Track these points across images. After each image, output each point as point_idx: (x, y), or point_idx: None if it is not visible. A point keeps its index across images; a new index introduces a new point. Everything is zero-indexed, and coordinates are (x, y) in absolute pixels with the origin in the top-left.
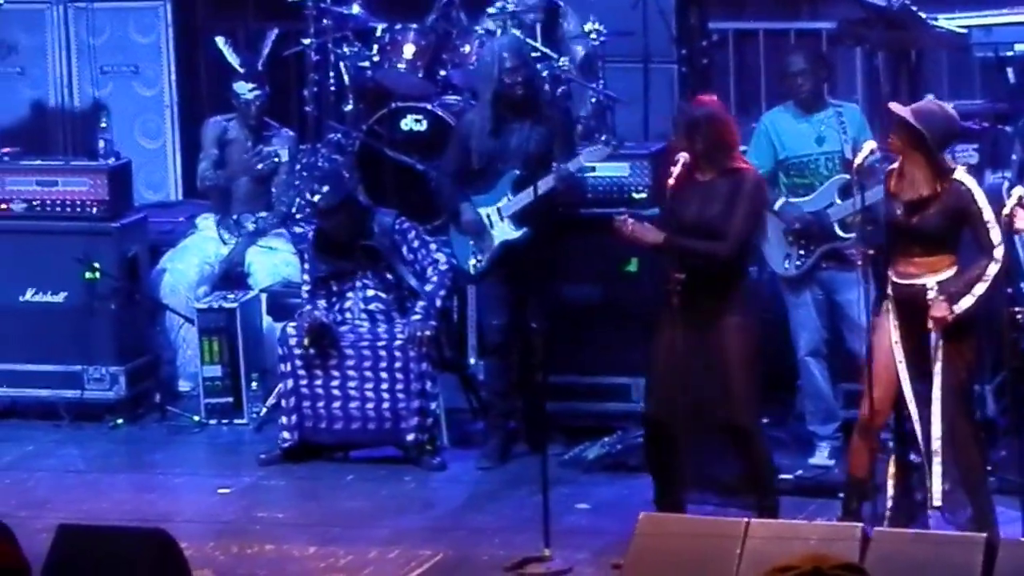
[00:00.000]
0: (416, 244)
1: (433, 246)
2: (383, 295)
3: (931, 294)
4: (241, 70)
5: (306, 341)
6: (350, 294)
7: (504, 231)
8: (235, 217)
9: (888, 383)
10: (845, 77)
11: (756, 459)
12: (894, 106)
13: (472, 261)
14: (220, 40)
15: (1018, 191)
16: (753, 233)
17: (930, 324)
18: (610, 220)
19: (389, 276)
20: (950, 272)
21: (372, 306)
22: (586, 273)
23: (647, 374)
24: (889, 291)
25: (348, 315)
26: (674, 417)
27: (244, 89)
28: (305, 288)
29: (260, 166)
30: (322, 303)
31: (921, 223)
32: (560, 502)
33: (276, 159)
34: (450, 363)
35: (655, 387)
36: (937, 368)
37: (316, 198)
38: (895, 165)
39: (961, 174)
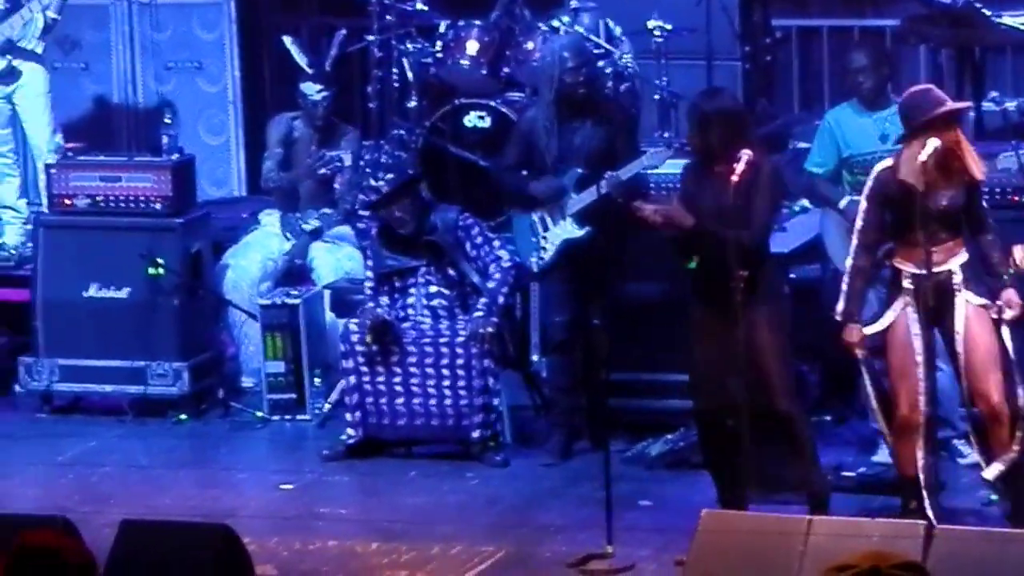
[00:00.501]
0: (479, 240)
1: (496, 243)
2: (446, 291)
3: (957, 278)
4: (309, 70)
5: (368, 338)
6: (413, 290)
7: (567, 229)
8: (298, 215)
9: (916, 377)
10: (909, 75)
11: (800, 443)
12: (951, 104)
13: (534, 258)
14: (287, 39)
15: None
16: (776, 221)
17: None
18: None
19: (452, 272)
20: (965, 254)
21: (435, 302)
22: (648, 270)
23: (691, 372)
24: (908, 285)
25: (411, 311)
26: (726, 412)
27: (312, 90)
28: (368, 284)
29: (323, 171)
30: (385, 300)
31: (950, 205)
32: (623, 499)
33: (340, 163)
34: (513, 360)
35: (703, 384)
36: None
37: (380, 184)
38: (888, 162)
39: None
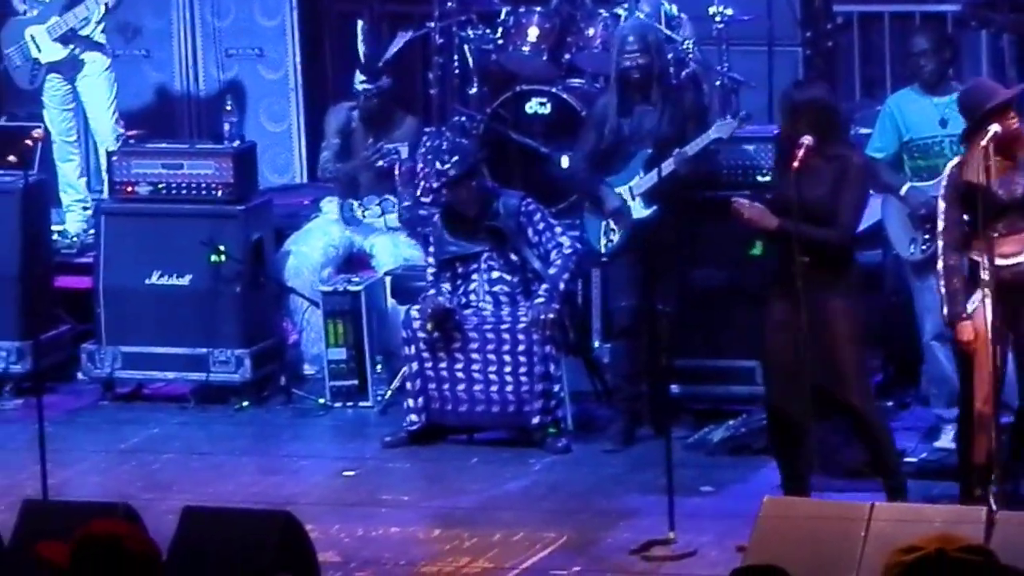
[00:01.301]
0: (541, 227)
1: (558, 229)
2: (508, 277)
3: None
4: (362, 60)
5: (429, 326)
6: (475, 276)
7: (635, 210)
8: (357, 202)
9: (990, 368)
10: (970, 60)
11: (875, 439)
12: (1004, 92)
13: (603, 241)
14: (360, 24)
15: None
16: (862, 217)
17: None
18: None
19: (514, 258)
20: None
21: (496, 288)
22: (711, 256)
23: (763, 360)
24: (985, 276)
25: (472, 297)
26: (797, 401)
27: (357, 80)
28: (430, 271)
29: (380, 163)
30: (446, 286)
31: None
32: (684, 485)
33: (396, 155)
34: (574, 346)
35: (775, 373)
36: None
37: (445, 167)
38: (956, 160)
39: None
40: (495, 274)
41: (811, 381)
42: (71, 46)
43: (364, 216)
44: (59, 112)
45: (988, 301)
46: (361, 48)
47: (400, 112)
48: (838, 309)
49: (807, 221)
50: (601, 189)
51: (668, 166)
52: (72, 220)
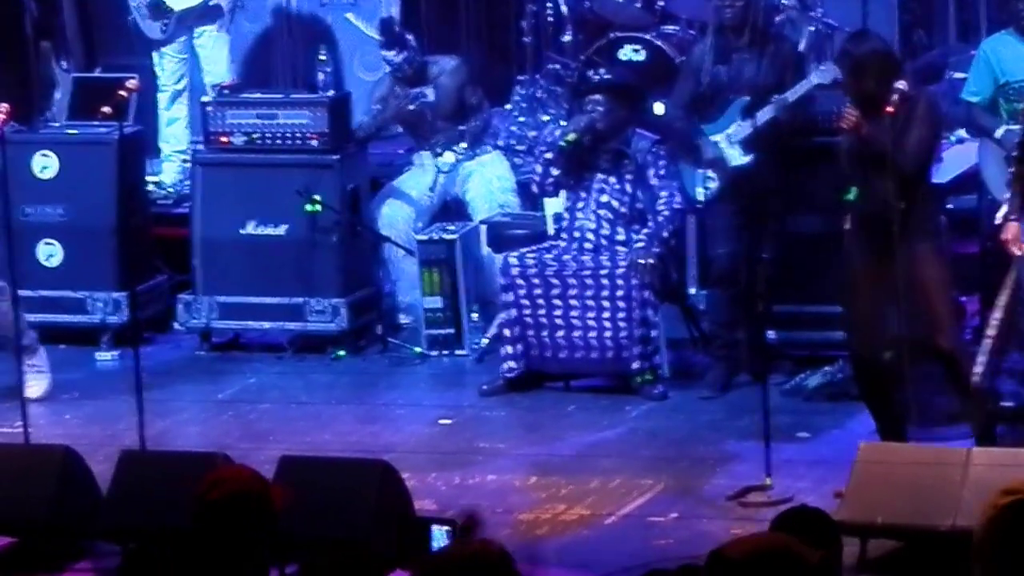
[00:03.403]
0: (663, 172)
1: (675, 183)
2: (615, 204)
3: None
4: (380, 38)
5: (571, 136)
6: (584, 194)
7: (733, 157)
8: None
9: None
10: None
11: (965, 379)
12: None
13: (700, 188)
14: (351, 15)
15: None
16: (933, 153)
17: None
18: (831, 148)
19: (628, 186)
20: None
21: (602, 212)
22: (808, 202)
23: (846, 309)
24: None
25: (579, 215)
26: (881, 350)
27: (390, 55)
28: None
29: (411, 107)
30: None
31: None
32: (781, 431)
33: (424, 97)
34: (671, 293)
35: (860, 325)
36: None
37: (596, 76)
38: None
39: None
40: (604, 198)
41: (903, 328)
42: None
43: (455, 159)
44: (175, 62)
45: None
46: (373, 31)
47: (440, 60)
48: (923, 253)
49: (880, 166)
50: (698, 137)
51: (767, 112)
52: (169, 171)
